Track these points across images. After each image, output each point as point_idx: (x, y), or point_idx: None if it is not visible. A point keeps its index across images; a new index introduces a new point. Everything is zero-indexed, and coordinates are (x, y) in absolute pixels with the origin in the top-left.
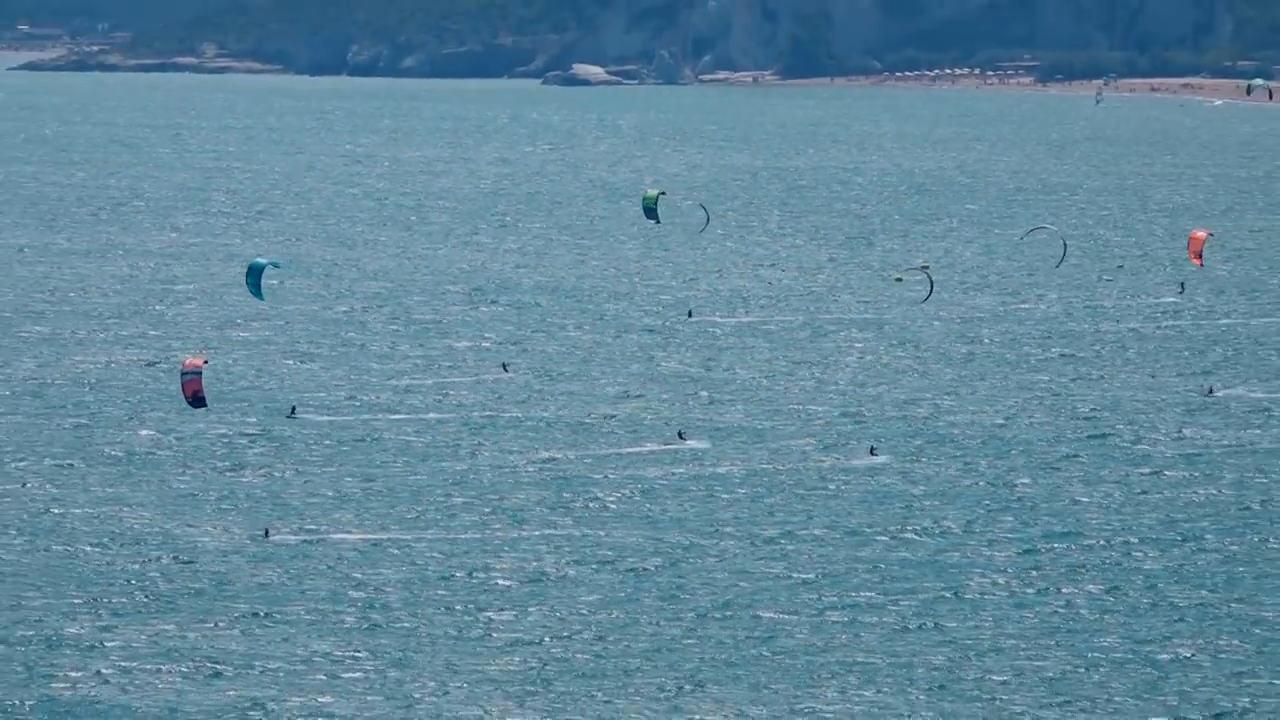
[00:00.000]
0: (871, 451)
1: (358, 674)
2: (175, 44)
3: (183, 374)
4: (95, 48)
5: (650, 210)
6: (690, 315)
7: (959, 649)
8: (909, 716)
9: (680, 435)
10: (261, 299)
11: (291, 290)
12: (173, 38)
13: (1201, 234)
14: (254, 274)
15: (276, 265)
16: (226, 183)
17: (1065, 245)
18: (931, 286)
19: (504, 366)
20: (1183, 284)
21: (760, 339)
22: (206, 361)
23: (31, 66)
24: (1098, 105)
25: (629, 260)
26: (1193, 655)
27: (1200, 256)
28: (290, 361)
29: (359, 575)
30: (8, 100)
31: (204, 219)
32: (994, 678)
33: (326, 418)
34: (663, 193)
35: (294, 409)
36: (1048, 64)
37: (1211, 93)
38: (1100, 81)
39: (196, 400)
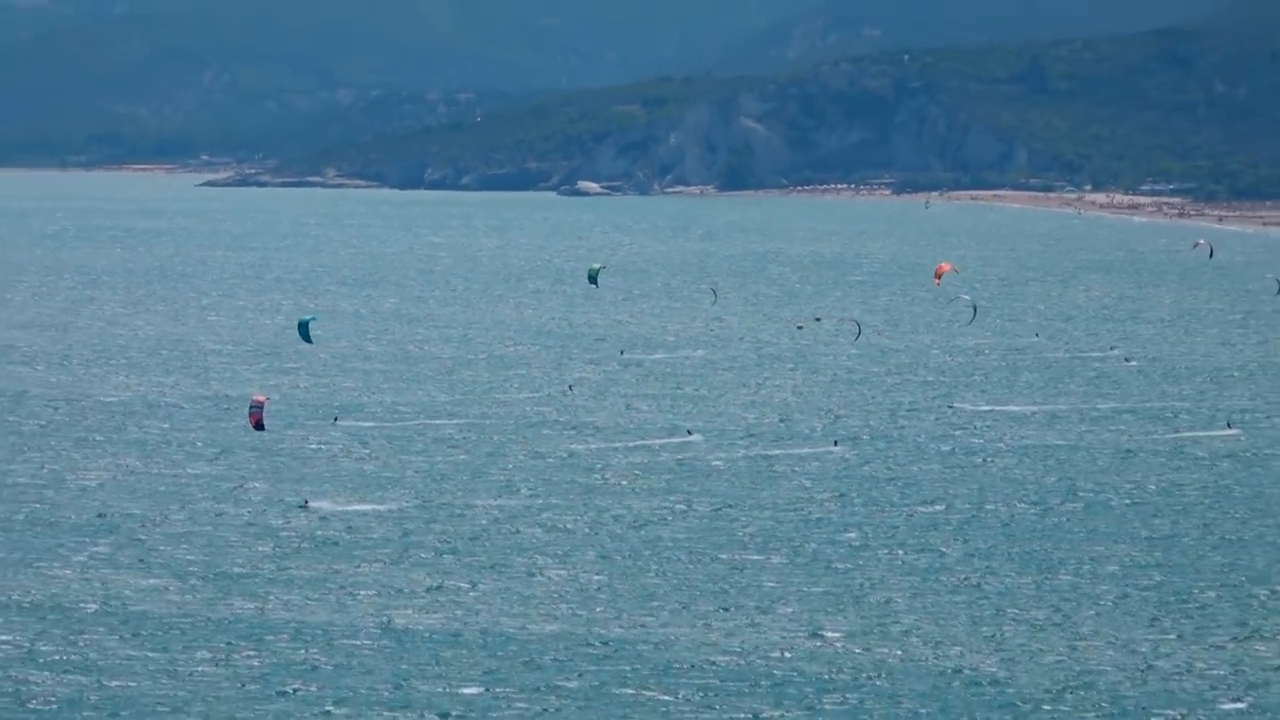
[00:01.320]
0: (825, 440)
1: None
2: (307, 167)
3: (253, 408)
4: (253, 170)
5: (592, 278)
6: (622, 353)
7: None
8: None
9: (689, 432)
10: (310, 342)
11: (334, 334)
12: (306, 163)
13: (946, 266)
14: (303, 327)
15: (315, 318)
16: (350, 260)
17: (975, 309)
18: (859, 331)
19: (569, 387)
20: (1035, 338)
21: (694, 369)
22: (267, 399)
23: (209, 184)
24: (926, 209)
25: (600, 310)
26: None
27: (939, 278)
28: (349, 381)
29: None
30: (196, 206)
31: (334, 286)
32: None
33: (367, 423)
34: (604, 266)
35: (336, 418)
36: (900, 181)
37: (1011, 200)
38: (933, 193)
39: (259, 426)
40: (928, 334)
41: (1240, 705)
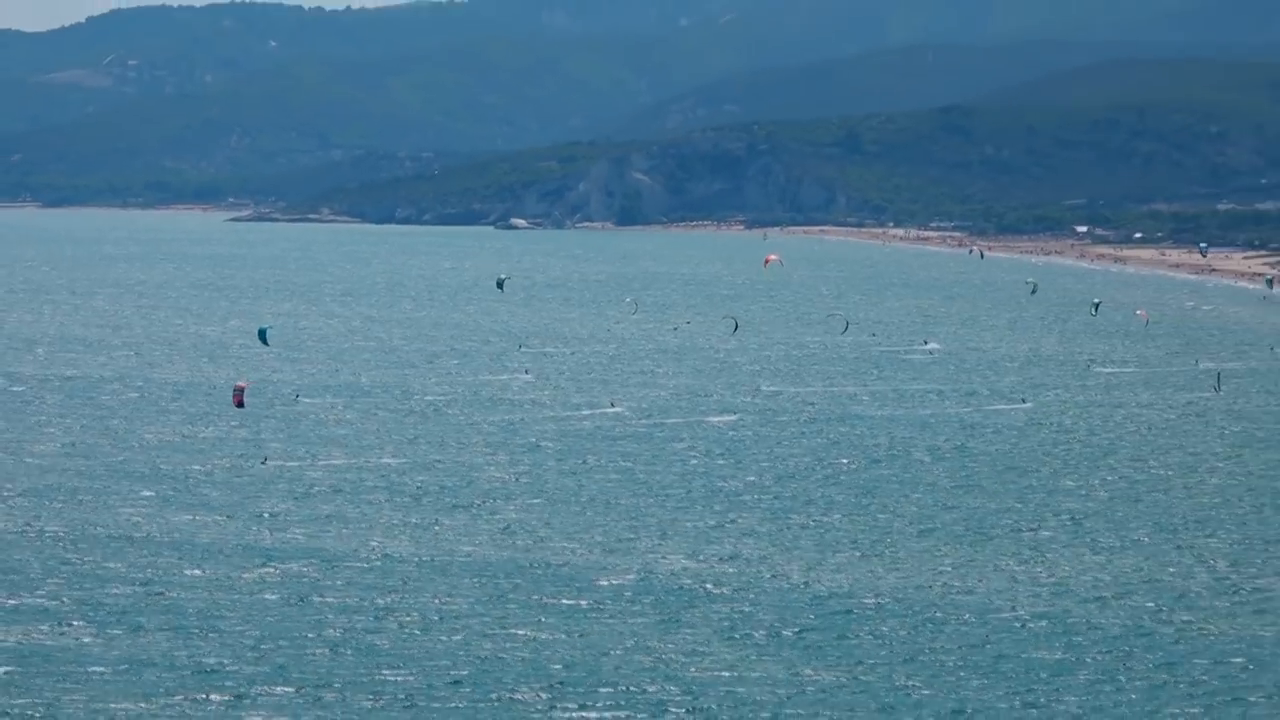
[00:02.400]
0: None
1: None
2: (308, 207)
3: (236, 390)
4: (266, 210)
5: (500, 284)
6: (520, 347)
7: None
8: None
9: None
10: (268, 346)
11: (291, 338)
12: (307, 204)
13: (772, 256)
14: (261, 333)
15: (270, 328)
16: (334, 277)
17: (848, 323)
18: (736, 325)
19: (526, 371)
20: (847, 323)
21: (608, 360)
22: (248, 383)
23: (234, 219)
24: (764, 240)
25: (532, 314)
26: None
27: (766, 264)
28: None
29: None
30: (226, 236)
31: (318, 300)
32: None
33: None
34: (508, 276)
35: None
36: (750, 219)
37: (832, 233)
38: (773, 228)
39: (240, 405)
40: (781, 332)
41: (998, 610)
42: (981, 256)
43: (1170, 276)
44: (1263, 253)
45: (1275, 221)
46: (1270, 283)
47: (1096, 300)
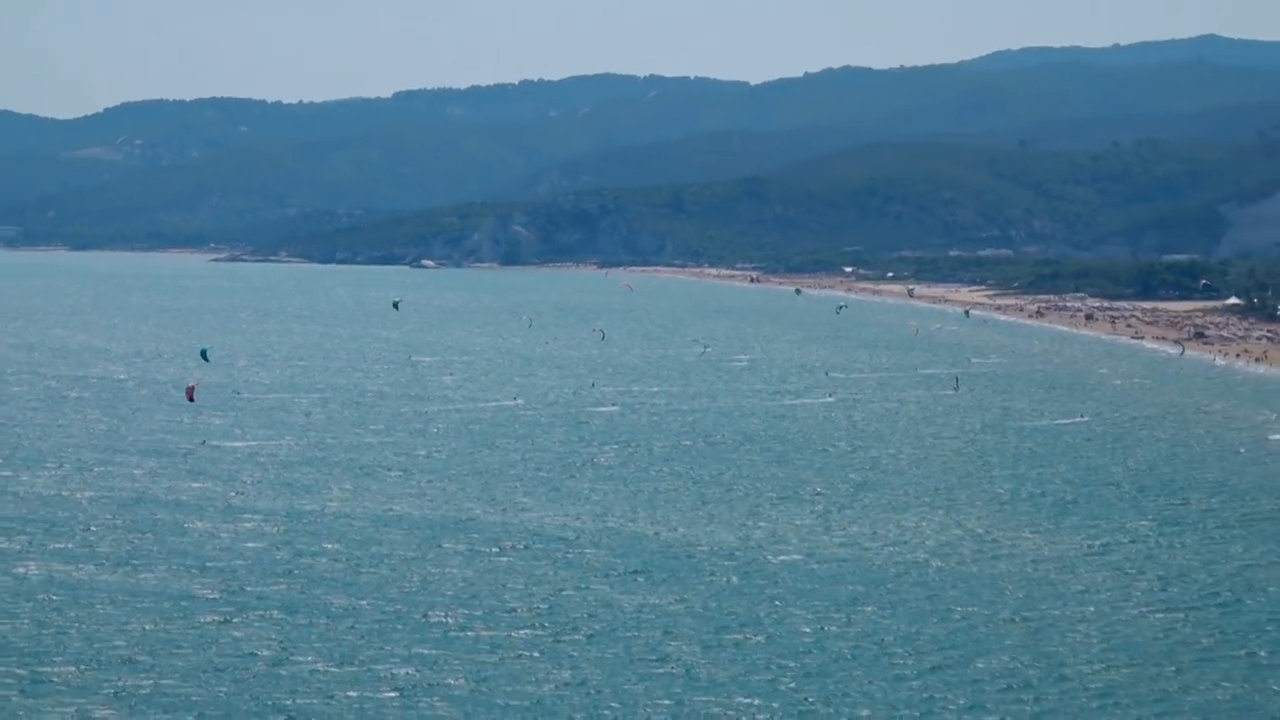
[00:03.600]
0: (516, 398)
1: None
2: (269, 251)
3: (189, 388)
4: (239, 252)
5: (395, 306)
6: (410, 358)
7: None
8: None
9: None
10: (208, 361)
11: (229, 353)
12: (269, 249)
13: (625, 283)
14: (204, 352)
15: (209, 348)
16: (292, 303)
17: (706, 347)
18: (603, 336)
19: (449, 374)
20: (705, 349)
21: (504, 366)
22: (196, 385)
23: (214, 260)
24: (605, 277)
25: (447, 333)
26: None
27: (624, 285)
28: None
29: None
30: (212, 272)
31: (277, 320)
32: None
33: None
34: (401, 299)
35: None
36: (601, 260)
37: (663, 272)
38: (615, 268)
39: (190, 399)
40: (638, 343)
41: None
42: (798, 293)
43: (914, 306)
44: (982, 287)
45: (991, 264)
46: (968, 312)
47: (842, 304)
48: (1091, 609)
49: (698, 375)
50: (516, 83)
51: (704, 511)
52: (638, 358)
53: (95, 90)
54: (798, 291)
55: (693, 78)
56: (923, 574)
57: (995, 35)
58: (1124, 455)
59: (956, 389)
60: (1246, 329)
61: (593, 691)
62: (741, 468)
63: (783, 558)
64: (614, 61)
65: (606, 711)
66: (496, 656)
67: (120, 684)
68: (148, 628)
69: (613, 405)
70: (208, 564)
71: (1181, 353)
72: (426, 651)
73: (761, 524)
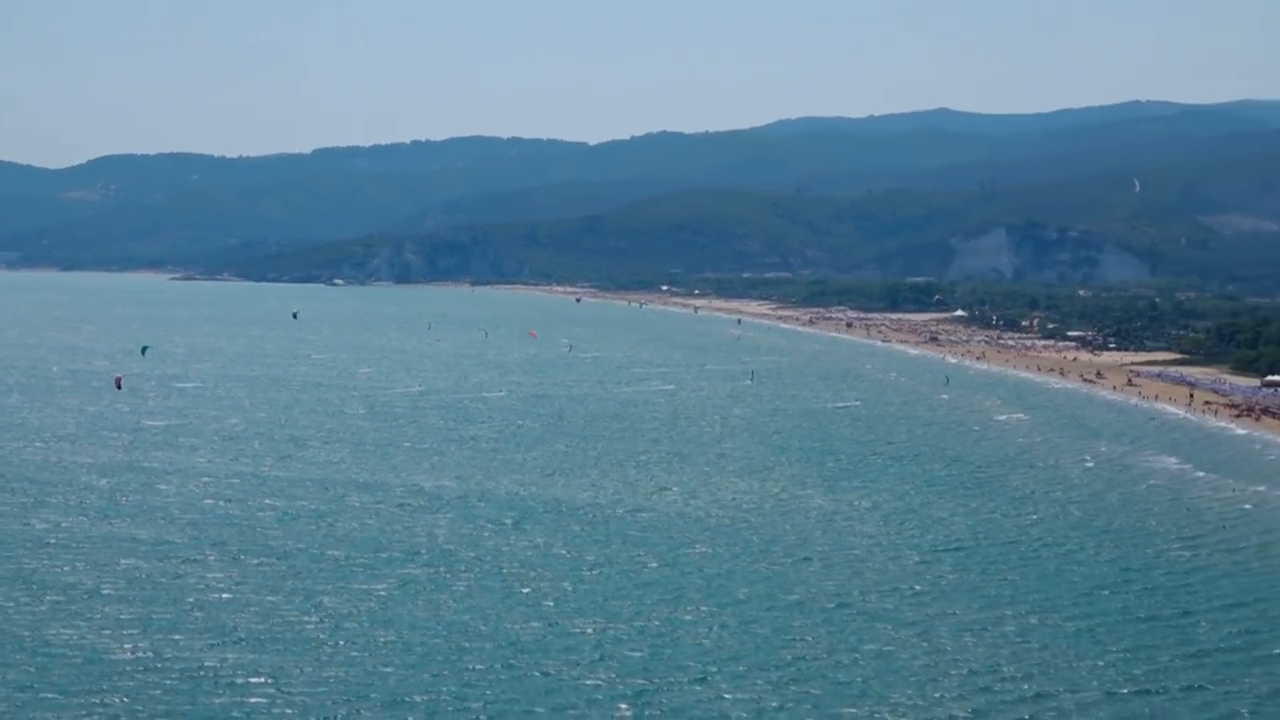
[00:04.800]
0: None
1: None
2: (216, 272)
3: (117, 379)
4: (192, 274)
5: (294, 316)
6: (307, 357)
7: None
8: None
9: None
10: (144, 357)
11: (161, 353)
12: (215, 270)
13: (534, 333)
14: (144, 350)
15: (150, 346)
16: (240, 312)
17: (571, 346)
18: (486, 334)
19: (364, 370)
20: (569, 347)
21: (407, 361)
22: (123, 376)
23: (172, 279)
24: (472, 291)
25: (361, 338)
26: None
27: (534, 334)
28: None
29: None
30: (171, 288)
31: (222, 325)
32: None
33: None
34: (299, 310)
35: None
36: (473, 280)
37: (521, 289)
38: (485, 286)
39: (118, 386)
40: (515, 344)
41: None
42: (641, 306)
43: (717, 317)
44: (767, 302)
45: (774, 284)
46: (739, 321)
47: (644, 303)
48: (866, 551)
49: (560, 369)
50: (408, 142)
51: (564, 474)
52: (514, 355)
53: (80, 145)
54: (640, 305)
55: (545, 139)
56: (737, 523)
57: (778, 107)
58: (886, 432)
59: (753, 380)
60: (970, 335)
61: (478, 616)
62: (592, 440)
63: (625, 511)
64: (485, 126)
65: (490, 632)
66: (400, 589)
67: (89, 614)
68: (118, 567)
69: (499, 391)
70: (175, 515)
71: (940, 348)
72: (345, 585)
73: (608, 484)
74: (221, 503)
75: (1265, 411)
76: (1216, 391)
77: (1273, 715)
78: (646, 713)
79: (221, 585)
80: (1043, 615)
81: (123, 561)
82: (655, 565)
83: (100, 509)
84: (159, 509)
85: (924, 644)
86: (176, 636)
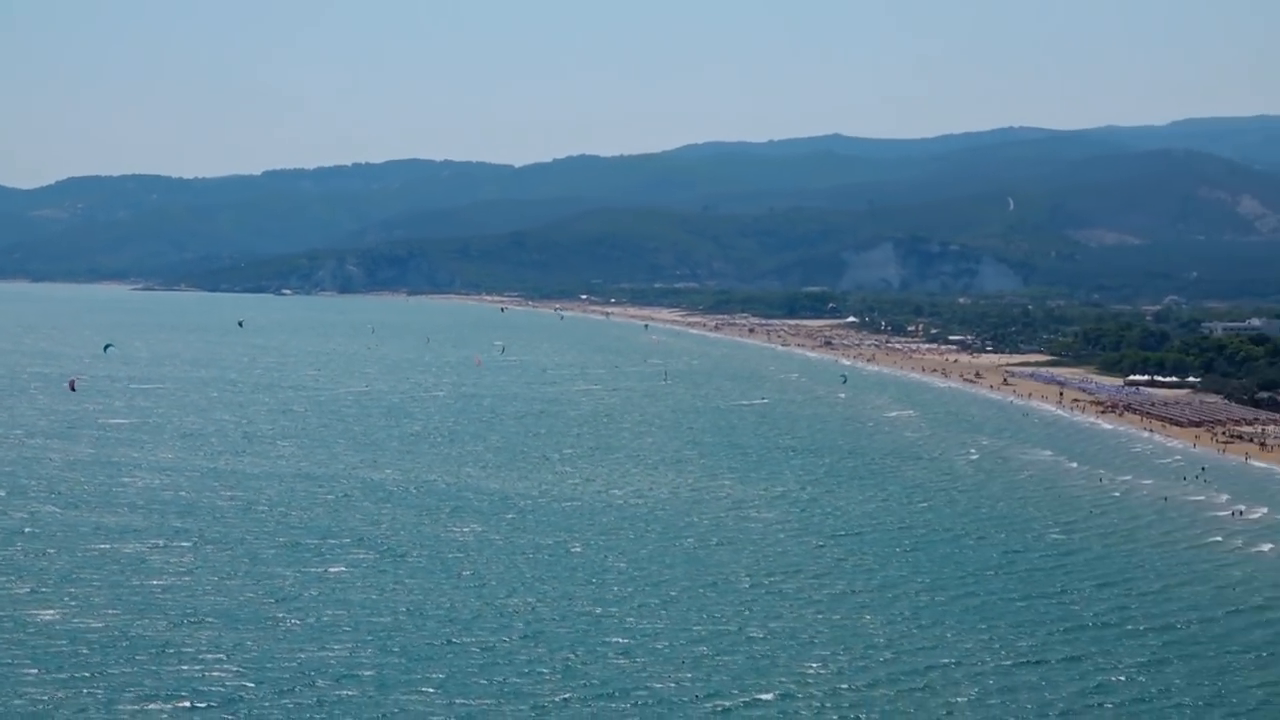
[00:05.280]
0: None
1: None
2: (173, 283)
3: (71, 381)
4: (152, 285)
5: (240, 325)
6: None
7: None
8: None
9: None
10: (106, 355)
11: (125, 357)
12: (172, 282)
13: (479, 359)
14: (106, 347)
15: (111, 345)
16: (196, 319)
17: (504, 347)
18: (428, 340)
19: (316, 370)
20: (503, 349)
21: (345, 363)
22: (76, 379)
23: (134, 290)
24: (408, 300)
25: (307, 342)
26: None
27: (479, 362)
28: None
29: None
30: (133, 297)
31: (178, 331)
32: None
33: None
34: (243, 320)
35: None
36: (409, 290)
37: (455, 299)
38: (421, 296)
39: (73, 389)
40: (452, 349)
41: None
42: (561, 317)
43: (631, 323)
44: (677, 309)
45: (683, 293)
46: (647, 326)
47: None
48: (774, 536)
49: (491, 371)
50: (350, 164)
51: (496, 467)
52: (450, 358)
53: (49, 167)
54: (561, 315)
55: (475, 161)
56: (655, 511)
57: (686, 133)
58: (789, 427)
59: (667, 380)
60: (861, 339)
61: (418, 594)
62: (519, 435)
63: (553, 500)
64: (419, 149)
65: (430, 608)
66: (346, 570)
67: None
68: (90, 552)
69: (438, 391)
70: (136, 504)
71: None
72: (298, 568)
73: (537, 476)
74: (182, 493)
75: (1128, 408)
76: (1084, 390)
77: (1143, 684)
78: (574, 683)
79: (184, 568)
80: (933, 594)
81: (96, 546)
82: (580, 549)
83: (71, 499)
84: (124, 500)
85: (828, 620)
86: (144, 615)
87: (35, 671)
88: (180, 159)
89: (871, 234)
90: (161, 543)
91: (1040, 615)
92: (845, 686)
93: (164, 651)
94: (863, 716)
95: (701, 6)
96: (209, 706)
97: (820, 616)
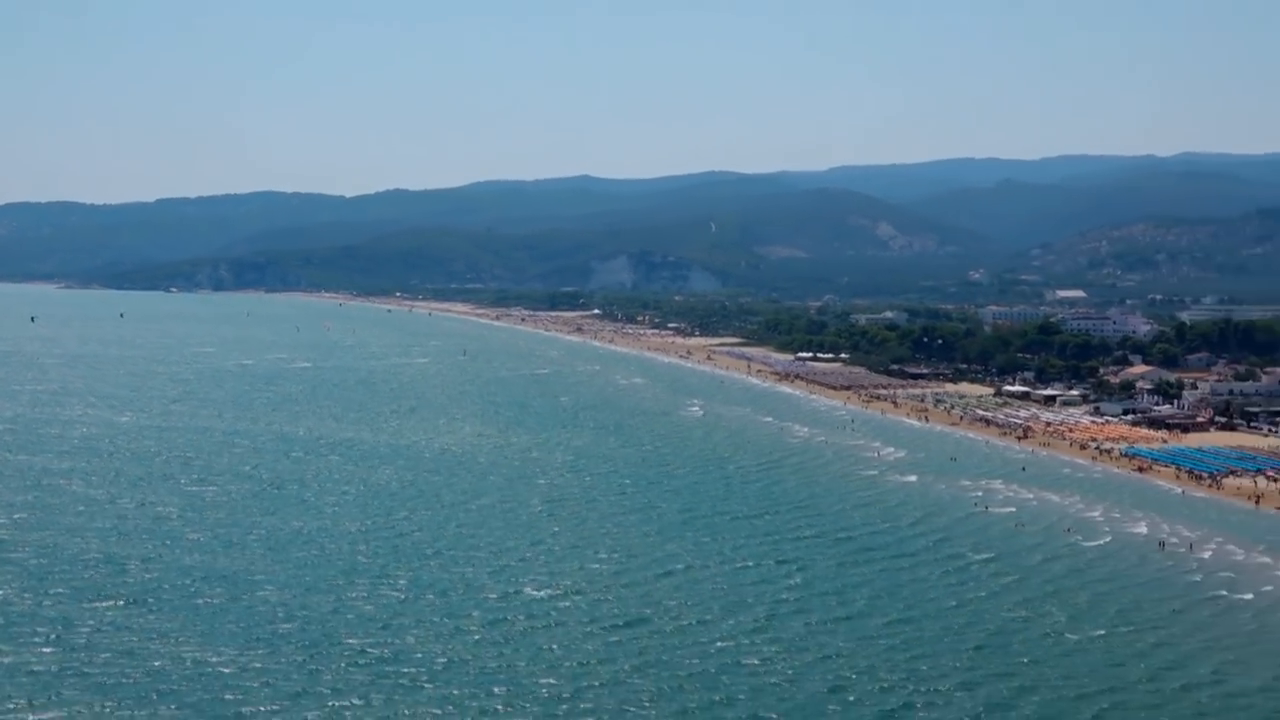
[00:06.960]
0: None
1: None
2: (87, 282)
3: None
4: (71, 284)
5: (121, 315)
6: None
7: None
8: None
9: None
10: (33, 323)
11: (49, 337)
12: (86, 281)
13: (328, 324)
14: (32, 319)
15: (35, 316)
16: (104, 310)
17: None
18: (354, 331)
19: (242, 363)
20: (355, 334)
21: (259, 347)
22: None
23: (57, 288)
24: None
25: (209, 332)
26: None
27: (328, 327)
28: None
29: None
30: (59, 293)
31: (95, 323)
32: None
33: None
34: (125, 311)
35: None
36: (267, 288)
37: (303, 295)
38: (275, 293)
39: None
40: (307, 335)
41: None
42: (389, 311)
43: (437, 315)
44: (469, 305)
45: (473, 293)
46: (430, 314)
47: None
48: (556, 474)
49: (335, 351)
50: (222, 194)
51: (342, 421)
52: (305, 338)
53: None
54: (388, 310)
55: (316, 193)
56: (464, 456)
57: (475, 171)
58: (562, 390)
59: (465, 355)
60: (603, 326)
61: (278, 514)
62: (364, 398)
63: (385, 447)
64: (273, 182)
65: (290, 521)
66: (219, 492)
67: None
68: (51, 502)
69: (305, 363)
70: (63, 450)
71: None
72: (179, 495)
73: (383, 427)
74: (118, 441)
75: (798, 376)
76: (766, 364)
77: (836, 580)
78: (393, 567)
79: (126, 503)
80: (676, 516)
81: (43, 481)
82: (400, 483)
83: (15, 445)
84: (66, 448)
85: (600, 531)
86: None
87: None
88: (92, 187)
89: (612, 249)
90: (68, 468)
91: (754, 530)
92: (614, 582)
93: (104, 568)
94: (613, 598)
95: (491, 74)
96: (125, 604)
97: (593, 529)
